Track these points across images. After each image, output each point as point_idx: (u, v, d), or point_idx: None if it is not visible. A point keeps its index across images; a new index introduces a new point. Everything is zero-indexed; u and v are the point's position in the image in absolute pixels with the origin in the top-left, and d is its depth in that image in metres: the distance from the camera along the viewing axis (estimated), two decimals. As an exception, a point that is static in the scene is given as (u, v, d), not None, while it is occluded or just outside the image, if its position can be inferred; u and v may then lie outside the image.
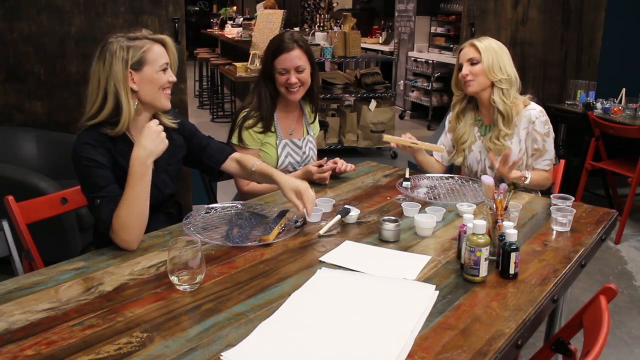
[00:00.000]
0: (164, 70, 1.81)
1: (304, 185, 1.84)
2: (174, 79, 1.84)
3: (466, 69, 2.35)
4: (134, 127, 1.81)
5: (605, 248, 3.69)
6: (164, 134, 1.69)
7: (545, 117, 2.37)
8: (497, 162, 2.20)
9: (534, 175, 2.31)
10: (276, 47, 2.29)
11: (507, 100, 2.34)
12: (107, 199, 1.67)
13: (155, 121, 1.72)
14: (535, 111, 2.36)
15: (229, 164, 2.07)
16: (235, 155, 2.07)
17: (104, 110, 1.73)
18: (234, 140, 2.35)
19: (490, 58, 2.33)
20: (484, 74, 2.33)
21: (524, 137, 2.37)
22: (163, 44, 1.83)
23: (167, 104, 1.84)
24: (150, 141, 1.66)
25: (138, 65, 1.76)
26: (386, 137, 2.48)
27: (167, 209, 2.00)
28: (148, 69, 1.78)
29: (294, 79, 2.28)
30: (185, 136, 2.01)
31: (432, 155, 2.60)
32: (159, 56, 1.80)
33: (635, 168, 3.69)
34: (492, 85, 2.35)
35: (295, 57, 2.27)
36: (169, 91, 1.84)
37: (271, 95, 2.34)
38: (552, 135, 2.37)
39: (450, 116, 2.57)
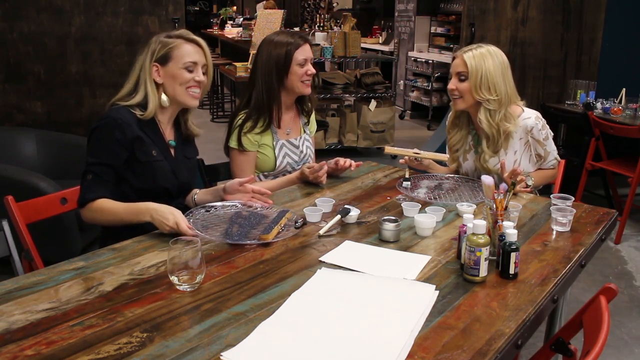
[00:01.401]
0: (189, 68, 1.91)
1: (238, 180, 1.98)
2: (201, 78, 1.94)
3: (453, 83, 2.27)
4: (162, 115, 1.97)
5: (605, 248, 3.69)
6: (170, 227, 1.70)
7: (542, 122, 2.30)
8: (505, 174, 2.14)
9: (537, 178, 2.28)
10: (295, 40, 2.32)
11: (492, 121, 2.24)
12: (98, 180, 1.83)
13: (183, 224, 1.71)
14: (530, 120, 2.28)
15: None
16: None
17: (135, 96, 1.90)
18: (233, 143, 2.34)
19: (479, 76, 2.20)
20: (470, 92, 2.23)
21: (519, 147, 2.31)
22: (197, 44, 1.94)
23: (192, 102, 1.96)
24: (165, 215, 1.71)
25: (163, 60, 1.91)
26: (388, 149, 2.41)
27: (179, 203, 2.05)
28: (172, 65, 1.91)
29: (312, 68, 2.36)
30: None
31: (444, 165, 2.55)
32: (185, 54, 1.91)
33: (635, 168, 3.70)
34: (479, 102, 2.24)
35: (310, 50, 2.38)
36: (195, 90, 1.94)
37: (279, 91, 2.35)
38: (551, 134, 2.35)
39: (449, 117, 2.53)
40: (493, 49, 2.27)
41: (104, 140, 1.84)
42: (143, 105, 1.90)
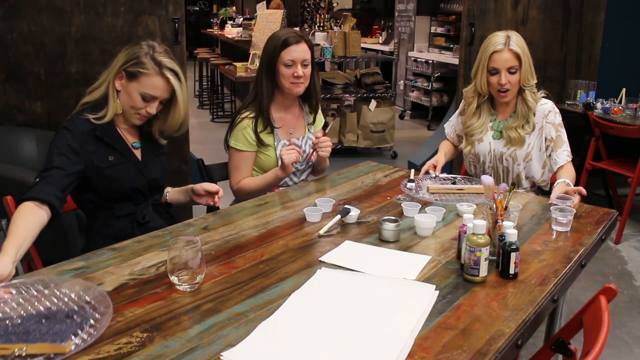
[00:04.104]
0: (145, 98, 1.88)
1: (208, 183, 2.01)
2: (153, 111, 1.92)
3: (505, 77, 2.26)
4: (123, 122, 1.97)
5: (605, 248, 3.69)
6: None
7: (557, 110, 2.36)
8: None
9: (569, 177, 2.23)
10: (284, 39, 2.27)
11: (536, 97, 2.33)
12: (42, 182, 1.74)
13: None
14: (548, 105, 2.35)
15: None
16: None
17: (96, 91, 1.91)
18: (232, 142, 2.34)
19: (526, 65, 2.26)
20: (519, 82, 2.28)
21: (535, 132, 2.35)
22: (168, 81, 1.88)
23: (135, 123, 1.96)
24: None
25: (130, 76, 1.88)
26: (432, 189, 2.19)
27: (155, 200, 2.06)
28: (134, 85, 1.88)
29: (300, 71, 2.28)
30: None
31: (445, 138, 2.60)
32: (150, 86, 1.87)
33: (635, 168, 3.69)
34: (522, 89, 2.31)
35: (303, 51, 2.29)
36: (144, 114, 1.92)
37: (271, 89, 2.33)
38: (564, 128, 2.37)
39: (463, 103, 2.51)
40: (515, 32, 2.32)
41: (57, 148, 1.83)
42: (100, 105, 1.90)
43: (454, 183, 2.28)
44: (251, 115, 2.32)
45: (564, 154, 2.32)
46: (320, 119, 2.57)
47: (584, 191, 2.02)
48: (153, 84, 1.87)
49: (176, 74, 1.90)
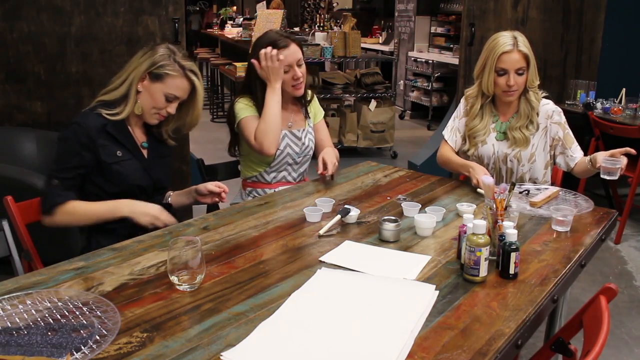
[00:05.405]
0: (168, 98, 1.94)
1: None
2: (172, 111, 1.98)
3: (513, 79, 2.23)
4: (134, 123, 2.01)
5: (605, 248, 3.69)
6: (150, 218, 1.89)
7: (560, 109, 2.36)
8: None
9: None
10: (275, 46, 2.24)
11: (538, 96, 2.33)
12: (65, 184, 1.87)
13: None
14: (550, 105, 2.35)
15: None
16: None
17: (115, 91, 1.95)
18: (236, 118, 2.31)
19: (533, 66, 2.25)
20: (525, 83, 2.27)
21: (539, 133, 2.35)
22: (192, 83, 1.97)
23: (152, 122, 2.01)
24: (146, 207, 1.91)
25: (155, 77, 1.93)
26: (536, 202, 2.04)
27: (160, 201, 2.07)
28: (158, 86, 1.93)
29: (299, 72, 2.29)
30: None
31: (445, 140, 2.55)
32: (174, 87, 1.94)
33: (635, 168, 3.69)
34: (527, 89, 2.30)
35: (295, 52, 2.29)
36: (163, 114, 1.98)
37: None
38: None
39: (464, 104, 2.48)
40: (519, 33, 2.29)
41: (70, 146, 1.88)
42: (117, 103, 1.93)
43: (527, 193, 2.14)
44: (250, 103, 2.31)
45: (577, 149, 2.34)
46: (319, 111, 2.55)
47: (633, 151, 2.01)
48: (177, 85, 1.94)
49: (197, 76, 1.99)
